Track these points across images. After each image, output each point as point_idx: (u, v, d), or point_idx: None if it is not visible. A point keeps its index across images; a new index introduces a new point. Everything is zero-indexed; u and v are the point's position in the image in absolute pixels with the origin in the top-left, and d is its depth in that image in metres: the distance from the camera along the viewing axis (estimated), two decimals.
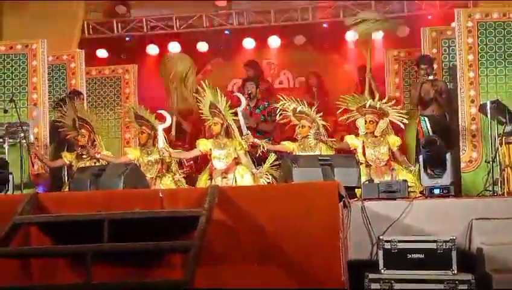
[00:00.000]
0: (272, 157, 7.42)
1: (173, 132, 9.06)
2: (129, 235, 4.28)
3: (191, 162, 8.31)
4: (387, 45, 10.00)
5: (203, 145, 7.58)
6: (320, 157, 6.51)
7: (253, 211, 4.67)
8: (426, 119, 7.96)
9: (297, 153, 7.36)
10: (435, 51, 8.66)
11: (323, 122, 7.60)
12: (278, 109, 7.67)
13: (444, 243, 5.17)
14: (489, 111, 7.22)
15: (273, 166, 7.36)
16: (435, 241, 5.20)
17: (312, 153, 7.31)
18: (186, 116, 9.95)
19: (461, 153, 7.88)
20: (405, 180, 6.52)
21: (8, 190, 7.03)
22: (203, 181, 7.46)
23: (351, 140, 7.62)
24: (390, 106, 7.50)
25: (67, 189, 7.31)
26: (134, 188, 6.17)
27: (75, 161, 7.78)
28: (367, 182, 6.61)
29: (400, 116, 7.48)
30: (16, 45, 8.65)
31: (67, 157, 7.88)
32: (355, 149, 7.54)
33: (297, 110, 7.56)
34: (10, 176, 7.25)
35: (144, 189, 6.41)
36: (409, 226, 5.57)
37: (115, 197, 5.03)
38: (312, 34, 10.78)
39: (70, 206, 4.80)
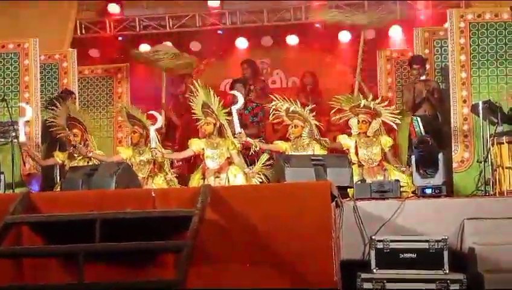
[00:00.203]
0: (264, 157, 7.43)
1: (162, 126, 8.92)
2: (121, 235, 4.26)
3: (180, 163, 8.29)
4: (379, 45, 10.00)
5: (196, 145, 7.58)
6: (312, 157, 6.52)
7: (246, 211, 4.66)
8: (419, 119, 7.97)
9: (289, 153, 7.36)
10: (427, 51, 8.69)
11: (316, 122, 7.61)
12: (271, 109, 7.68)
13: (436, 243, 5.19)
14: (481, 111, 7.24)
15: (265, 166, 7.37)
16: (427, 241, 5.22)
17: (305, 153, 7.32)
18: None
19: (453, 153, 7.90)
20: (397, 180, 6.56)
21: None
22: (195, 181, 7.45)
23: (343, 140, 7.63)
24: (383, 106, 7.52)
25: (59, 189, 7.29)
26: (126, 187, 6.16)
27: (67, 161, 7.77)
28: (359, 182, 6.64)
29: (393, 117, 7.51)
30: (8, 44, 8.61)
31: (59, 156, 7.86)
32: (348, 149, 7.55)
33: (290, 110, 7.56)
34: (2, 175, 7.24)
35: (136, 189, 6.40)
36: (401, 226, 5.59)
37: (107, 196, 5.02)
38: (305, 34, 10.78)
39: (62, 206, 4.78)
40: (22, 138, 7.43)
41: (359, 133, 7.56)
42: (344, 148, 7.57)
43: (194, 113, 7.68)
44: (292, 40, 10.93)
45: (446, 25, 8.32)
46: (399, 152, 8.50)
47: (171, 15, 10.78)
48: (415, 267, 5.17)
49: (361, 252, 5.48)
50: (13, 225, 4.55)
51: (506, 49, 7.96)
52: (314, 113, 7.59)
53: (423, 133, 7.76)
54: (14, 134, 7.63)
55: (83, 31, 10.77)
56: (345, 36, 10.48)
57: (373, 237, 5.33)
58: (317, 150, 7.41)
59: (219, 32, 11.03)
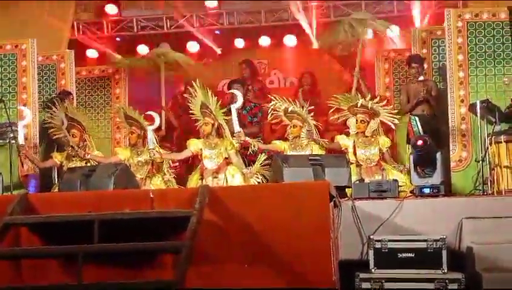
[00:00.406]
0: (262, 156, 7.43)
1: (162, 126, 8.92)
2: (120, 235, 4.27)
3: (176, 163, 8.28)
4: (378, 44, 10.00)
5: (194, 145, 7.58)
6: (310, 157, 6.53)
7: (244, 211, 4.67)
8: (417, 118, 7.98)
9: (288, 153, 7.36)
10: (425, 51, 8.67)
11: (315, 122, 7.61)
12: (270, 109, 7.68)
13: (434, 242, 5.19)
14: (479, 111, 7.26)
15: (263, 166, 7.37)
16: (425, 240, 5.22)
17: (303, 153, 7.32)
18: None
19: (451, 153, 7.91)
20: (395, 180, 6.56)
21: None
22: (193, 181, 7.45)
23: (342, 140, 7.63)
24: (381, 106, 7.52)
25: (57, 189, 7.28)
26: (124, 188, 6.16)
27: (65, 162, 7.76)
28: (357, 182, 6.64)
29: (391, 117, 7.51)
30: (6, 45, 8.60)
31: (57, 157, 7.85)
32: (346, 149, 7.55)
33: (289, 110, 7.56)
34: None
35: (134, 189, 6.39)
36: (399, 225, 5.59)
37: (105, 197, 5.03)
38: (303, 34, 10.78)
39: (60, 207, 4.78)
40: (21, 142, 7.43)
41: (357, 133, 7.56)
42: (342, 148, 7.57)
43: (192, 114, 7.68)
44: (290, 40, 10.93)
45: (444, 24, 8.32)
46: (397, 151, 8.49)
47: (168, 15, 10.79)
48: (413, 266, 5.17)
49: (359, 252, 5.48)
50: (11, 226, 4.56)
51: (503, 49, 7.97)
52: (312, 113, 7.59)
53: (421, 132, 7.77)
54: (12, 135, 7.61)
55: (81, 32, 10.76)
56: None
57: (371, 237, 5.33)
58: (316, 150, 7.42)
59: (217, 32, 11.03)
